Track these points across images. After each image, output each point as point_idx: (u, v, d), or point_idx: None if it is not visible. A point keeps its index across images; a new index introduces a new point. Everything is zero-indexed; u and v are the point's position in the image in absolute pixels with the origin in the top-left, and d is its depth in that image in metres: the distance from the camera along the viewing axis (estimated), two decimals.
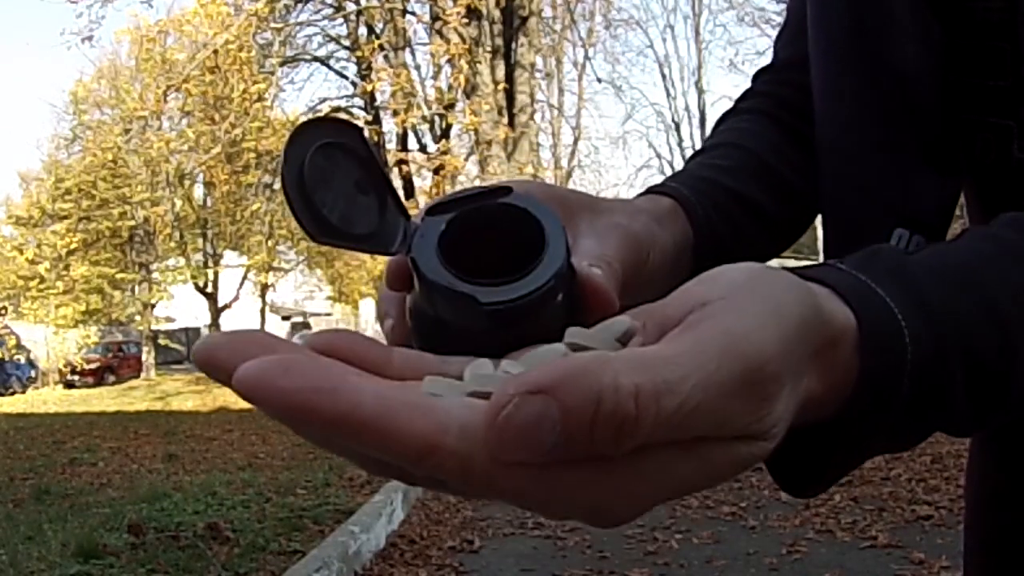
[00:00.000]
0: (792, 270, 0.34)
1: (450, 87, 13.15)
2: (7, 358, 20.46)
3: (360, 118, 15.43)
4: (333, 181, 0.33)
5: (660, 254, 0.47)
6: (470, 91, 12.47)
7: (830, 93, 0.57)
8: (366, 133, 0.36)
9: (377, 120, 14.75)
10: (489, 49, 13.33)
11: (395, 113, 12.99)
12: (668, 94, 32.01)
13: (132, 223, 22.43)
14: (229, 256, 26.93)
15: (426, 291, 0.34)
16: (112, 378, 24.33)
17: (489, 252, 0.36)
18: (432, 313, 0.35)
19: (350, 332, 0.33)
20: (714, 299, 0.29)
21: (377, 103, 14.90)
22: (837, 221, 0.58)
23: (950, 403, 0.36)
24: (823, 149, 0.58)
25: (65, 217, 20.70)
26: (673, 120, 25.17)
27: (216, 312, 27.01)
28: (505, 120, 12.60)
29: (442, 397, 0.27)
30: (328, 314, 38.61)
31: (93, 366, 23.38)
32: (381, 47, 14.16)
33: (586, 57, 22.76)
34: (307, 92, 72.91)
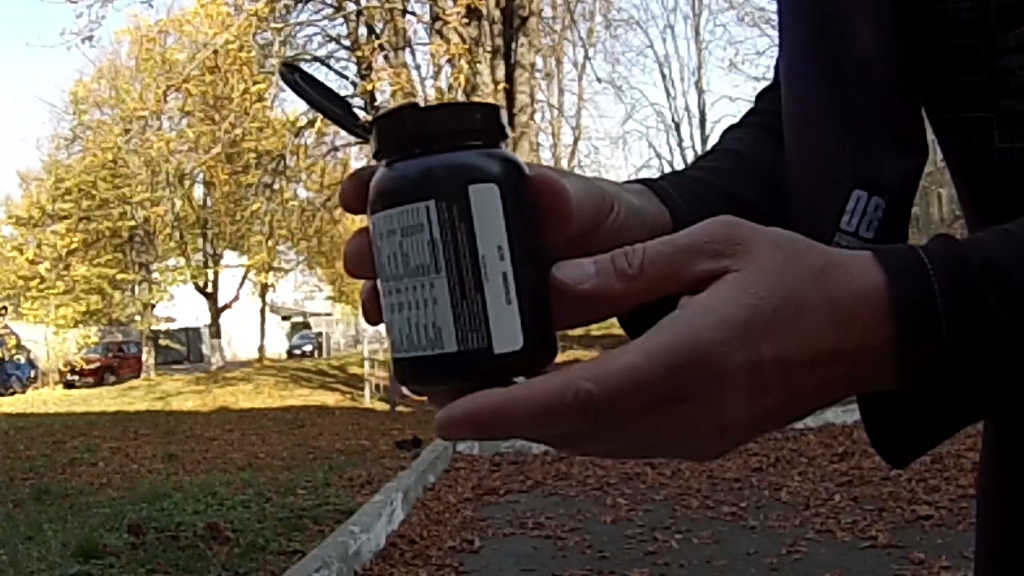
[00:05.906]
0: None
1: (450, 87, 13.15)
2: (7, 358, 20.47)
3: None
4: (318, 85, 0.47)
5: (629, 213, 0.50)
6: (470, 91, 12.48)
7: (794, 75, 0.58)
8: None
9: None
10: (489, 49, 13.33)
11: None
12: (668, 94, 32.12)
13: (132, 223, 22.45)
14: (229, 256, 26.95)
15: (383, 127, 0.41)
16: (112, 378, 24.34)
17: None
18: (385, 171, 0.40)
19: None
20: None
21: (377, 103, 14.90)
22: (797, 188, 0.58)
23: (996, 326, 0.37)
24: (786, 124, 0.58)
25: (65, 217, 20.70)
26: (673, 120, 25.27)
27: (216, 312, 27.02)
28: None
29: None
30: (328, 314, 38.60)
31: (93, 366, 23.39)
32: (381, 47, 14.16)
33: (586, 57, 22.81)
34: None
